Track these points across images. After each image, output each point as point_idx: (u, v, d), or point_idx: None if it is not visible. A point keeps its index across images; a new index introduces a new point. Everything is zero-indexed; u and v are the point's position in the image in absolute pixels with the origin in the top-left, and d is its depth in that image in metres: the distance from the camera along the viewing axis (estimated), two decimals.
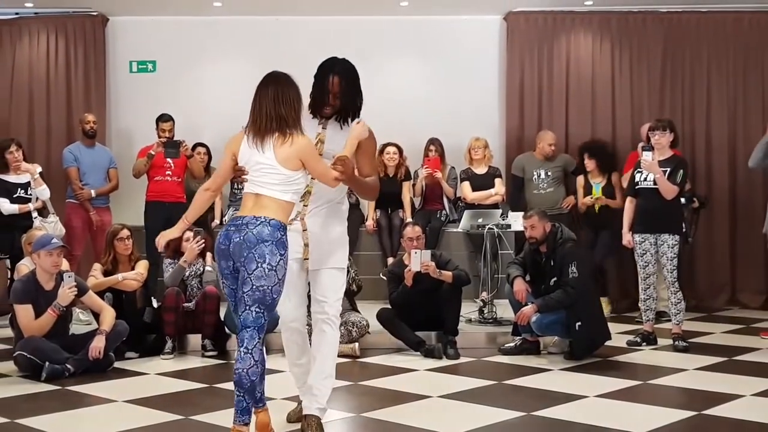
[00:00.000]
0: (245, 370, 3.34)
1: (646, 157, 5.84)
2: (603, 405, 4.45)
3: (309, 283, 3.86)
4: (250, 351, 3.35)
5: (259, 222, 3.38)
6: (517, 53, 8.43)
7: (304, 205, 3.70)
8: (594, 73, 8.40)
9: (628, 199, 6.22)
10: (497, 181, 7.78)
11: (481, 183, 7.73)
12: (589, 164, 7.58)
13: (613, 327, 6.13)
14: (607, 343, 5.74)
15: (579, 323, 5.49)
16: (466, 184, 7.75)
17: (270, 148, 3.44)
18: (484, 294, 6.80)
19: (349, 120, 3.81)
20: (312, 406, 3.80)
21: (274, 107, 3.44)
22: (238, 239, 3.37)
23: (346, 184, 3.72)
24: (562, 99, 8.39)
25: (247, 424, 3.41)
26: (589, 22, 8.43)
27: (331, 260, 3.82)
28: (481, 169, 7.81)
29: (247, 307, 3.36)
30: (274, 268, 3.35)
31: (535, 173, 7.78)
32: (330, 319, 3.82)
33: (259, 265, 3.33)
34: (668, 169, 5.92)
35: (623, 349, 5.91)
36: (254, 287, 3.34)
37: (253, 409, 3.48)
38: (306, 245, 3.72)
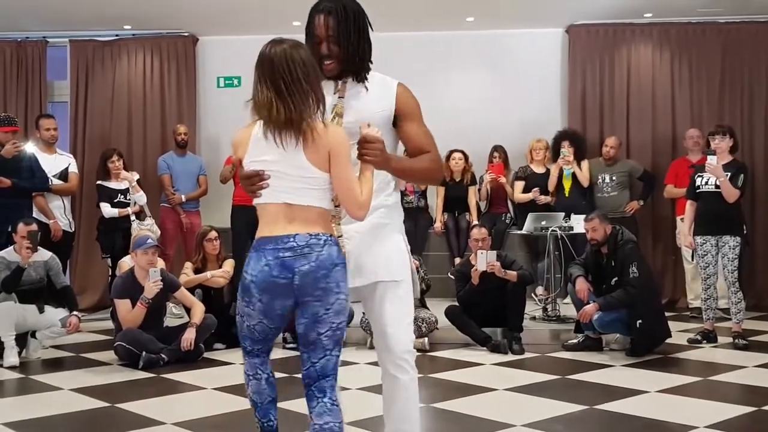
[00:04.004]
0: (338, 424, 2.48)
1: (711, 161, 5.68)
2: (663, 400, 4.34)
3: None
4: (335, 402, 2.50)
5: (323, 240, 2.45)
6: (578, 64, 8.29)
7: (336, 206, 2.58)
8: (654, 83, 8.19)
9: (688, 202, 6.06)
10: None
11: (539, 183, 7.62)
12: (569, 151, 7.40)
13: (674, 325, 5.98)
14: (668, 340, 5.60)
15: (640, 321, 5.37)
16: (519, 184, 7.66)
17: (300, 142, 2.44)
18: (539, 289, 6.71)
19: (366, 77, 2.62)
20: None
21: (301, 84, 2.42)
22: (307, 267, 2.41)
23: (387, 171, 2.58)
24: (623, 108, 8.21)
25: None
26: (649, 34, 8.24)
27: (380, 272, 2.64)
28: (540, 169, 7.71)
29: (328, 352, 2.49)
30: (347, 297, 2.52)
31: (600, 177, 7.64)
32: (401, 362, 2.63)
33: (338, 296, 2.46)
34: (730, 174, 5.75)
35: (684, 347, 5.75)
36: (334, 326, 2.47)
37: None
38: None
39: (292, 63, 2.41)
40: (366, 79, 2.62)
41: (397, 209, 2.75)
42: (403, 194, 7.93)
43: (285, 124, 2.41)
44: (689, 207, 6.03)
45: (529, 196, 7.53)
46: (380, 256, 2.63)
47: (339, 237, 2.57)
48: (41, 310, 5.51)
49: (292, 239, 2.43)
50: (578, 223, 6.44)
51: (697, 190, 5.92)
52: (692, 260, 6.27)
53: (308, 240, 2.43)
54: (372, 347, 5.76)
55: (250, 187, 2.46)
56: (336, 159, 2.44)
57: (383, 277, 2.62)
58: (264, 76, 2.44)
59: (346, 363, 5.34)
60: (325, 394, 2.49)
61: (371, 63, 2.64)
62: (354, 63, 2.58)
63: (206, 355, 5.53)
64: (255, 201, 2.52)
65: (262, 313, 2.49)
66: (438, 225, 7.82)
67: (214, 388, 4.59)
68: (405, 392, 2.63)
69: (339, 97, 2.60)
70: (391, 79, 2.69)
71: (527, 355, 5.54)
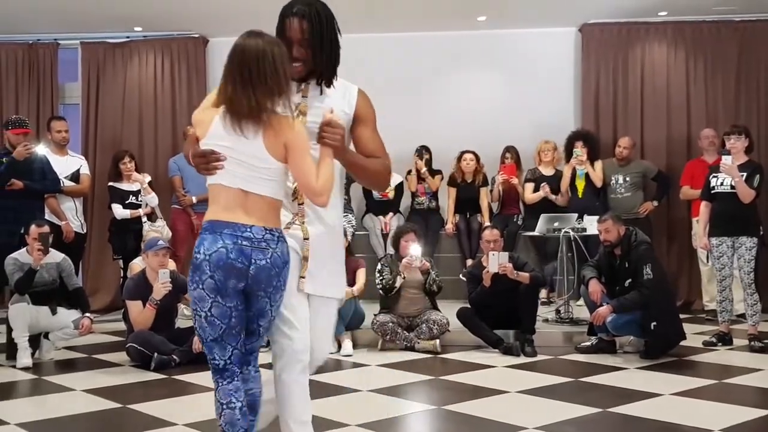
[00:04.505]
0: (258, 390, 2.70)
1: (726, 161, 5.66)
2: (678, 403, 4.32)
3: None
4: (257, 369, 2.71)
5: (276, 237, 2.56)
6: (592, 64, 8.27)
7: (299, 204, 2.68)
8: (668, 82, 8.16)
9: (704, 203, 6.03)
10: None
11: (549, 184, 7.61)
12: (583, 151, 7.40)
13: (689, 327, 5.95)
14: (683, 343, 5.58)
15: (654, 323, 5.36)
16: (529, 186, 7.67)
17: (259, 132, 2.52)
18: (543, 292, 6.71)
19: (333, 80, 2.71)
20: None
21: (266, 78, 2.49)
22: (264, 263, 2.52)
23: (341, 161, 2.65)
24: (636, 108, 8.19)
25: None
26: (664, 32, 8.20)
27: (330, 288, 2.76)
28: (549, 171, 7.71)
29: (259, 338, 2.67)
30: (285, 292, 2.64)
31: (613, 178, 7.62)
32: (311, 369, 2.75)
33: (282, 293, 2.60)
34: (745, 174, 5.73)
35: (699, 349, 5.72)
36: (272, 318, 2.63)
37: None
38: (305, 258, 2.69)
39: (263, 57, 2.50)
40: (331, 83, 2.70)
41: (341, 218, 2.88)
42: (414, 195, 7.94)
43: (246, 115, 2.50)
44: (704, 208, 6.01)
45: (540, 194, 7.52)
46: (332, 273, 2.77)
47: (305, 239, 2.67)
48: (54, 312, 5.56)
49: (248, 230, 2.52)
50: (591, 225, 6.43)
51: (713, 191, 5.90)
52: (708, 262, 6.24)
53: (264, 234, 2.53)
54: (384, 349, 5.79)
55: (204, 165, 2.52)
56: (293, 151, 2.53)
57: (330, 294, 2.76)
58: (232, 65, 2.55)
59: (357, 365, 5.37)
60: (249, 364, 2.68)
61: (337, 68, 2.72)
62: (322, 67, 2.66)
63: None
64: (209, 180, 2.58)
65: (215, 290, 2.52)
66: (449, 226, 7.83)
67: None
68: (304, 389, 2.72)
69: (302, 96, 2.69)
70: (352, 85, 2.78)
71: (540, 357, 5.54)
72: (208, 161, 2.51)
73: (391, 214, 7.81)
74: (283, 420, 2.72)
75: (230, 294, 2.54)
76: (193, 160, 2.57)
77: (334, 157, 2.60)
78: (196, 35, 8.55)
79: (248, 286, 2.55)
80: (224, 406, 2.59)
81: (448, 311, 5.97)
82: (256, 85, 2.49)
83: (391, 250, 6.56)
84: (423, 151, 7.84)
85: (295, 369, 2.66)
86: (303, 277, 2.69)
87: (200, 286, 2.54)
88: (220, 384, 2.61)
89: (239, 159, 2.52)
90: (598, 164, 7.56)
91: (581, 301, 6.28)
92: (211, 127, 2.56)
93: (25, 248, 5.57)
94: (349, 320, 5.84)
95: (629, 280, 5.53)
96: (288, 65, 2.55)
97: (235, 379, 2.61)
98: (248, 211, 2.54)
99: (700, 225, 6.07)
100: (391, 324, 5.81)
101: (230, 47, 2.65)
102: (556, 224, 6.75)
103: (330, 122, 2.56)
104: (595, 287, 5.65)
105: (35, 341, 5.56)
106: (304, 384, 2.70)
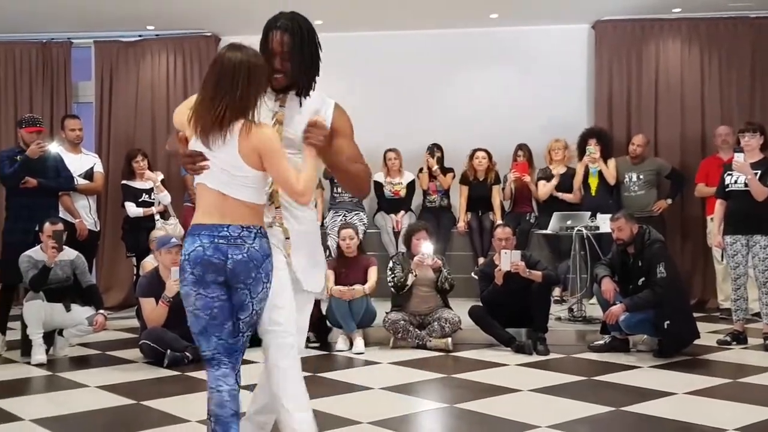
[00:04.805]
0: (228, 391, 2.69)
1: (738, 158, 5.64)
2: (692, 402, 4.31)
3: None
4: (237, 373, 2.74)
5: (253, 233, 2.65)
6: (605, 60, 8.25)
7: (276, 207, 2.81)
8: (683, 79, 8.12)
9: (718, 201, 6.01)
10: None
11: (560, 182, 7.61)
12: (596, 149, 7.38)
13: (703, 326, 5.93)
14: (697, 341, 5.55)
15: (668, 322, 5.33)
16: (542, 183, 7.66)
17: (231, 142, 2.61)
18: (556, 290, 6.70)
19: (310, 92, 2.83)
20: None
21: (236, 91, 2.59)
22: (240, 257, 2.62)
23: (325, 161, 2.82)
24: (650, 105, 8.16)
25: None
26: (678, 29, 8.17)
27: (308, 281, 2.89)
28: (560, 169, 7.69)
29: (242, 334, 2.72)
30: (271, 285, 2.74)
31: (626, 176, 7.59)
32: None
33: (265, 285, 2.69)
34: (759, 172, 5.69)
35: (713, 348, 5.70)
36: (254, 312, 2.70)
37: None
38: (288, 255, 2.83)
39: (238, 69, 2.60)
40: (308, 95, 2.82)
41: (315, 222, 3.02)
42: (426, 193, 7.95)
43: (209, 128, 2.60)
44: (719, 206, 5.98)
45: (552, 185, 7.52)
46: (310, 268, 2.89)
47: (286, 239, 2.79)
48: (68, 309, 5.61)
49: (225, 229, 2.64)
50: (604, 223, 6.41)
51: (727, 189, 5.87)
52: (722, 260, 6.21)
53: (240, 232, 2.64)
54: (395, 347, 5.80)
55: (191, 165, 2.65)
56: (267, 157, 2.62)
57: (309, 288, 2.88)
58: (208, 75, 2.66)
59: (369, 363, 5.38)
60: (222, 366, 2.70)
61: (316, 81, 2.84)
62: (302, 79, 2.78)
63: None
64: (196, 180, 2.71)
65: (196, 284, 2.66)
66: (461, 224, 7.82)
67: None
68: (301, 375, 2.82)
69: (280, 106, 2.80)
70: (329, 99, 2.90)
71: (552, 355, 5.53)
72: (194, 161, 2.64)
73: (402, 212, 7.81)
74: (284, 410, 2.74)
75: (210, 285, 2.65)
76: (182, 159, 2.71)
77: (319, 156, 2.73)
78: (209, 33, 8.59)
79: (228, 280, 2.66)
80: (213, 390, 2.69)
81: (460, 309, 5.97)
82: (224, 96, 2.58)
83: (402, 248, 6.57)
84: (435, 149, 7.84)
85: (290, 354, 2.74)
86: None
87: (184, 284, 2.68)
88: (209, 370, 2.72)
89: (219, 166, 2.63)
90: (612, 162, 7.54)
91: (594, 300, 6.28)
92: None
93: (39, 246, 5.62)
94: (360, 318, 5.86)
95: (642, 279, 5.51)
96: (264, 78, 2.65)
97: (223, 366, 2.70)
98: (226, 213, 2.65)
99: (714, 223, 6.04)
100: (402, 322, 5.82)
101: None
102: (569, 222, 6.73)
103: (315, 123, 2.71)
104: (608, 286, 5.63)
105: (49, 338, 5.61)
106: (300, 369, 2.78)
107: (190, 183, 7.62)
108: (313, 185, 2.73)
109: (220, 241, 2.63)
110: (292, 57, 2.73)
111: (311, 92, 2.82)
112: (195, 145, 2.66)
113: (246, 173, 2.63)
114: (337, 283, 5.93)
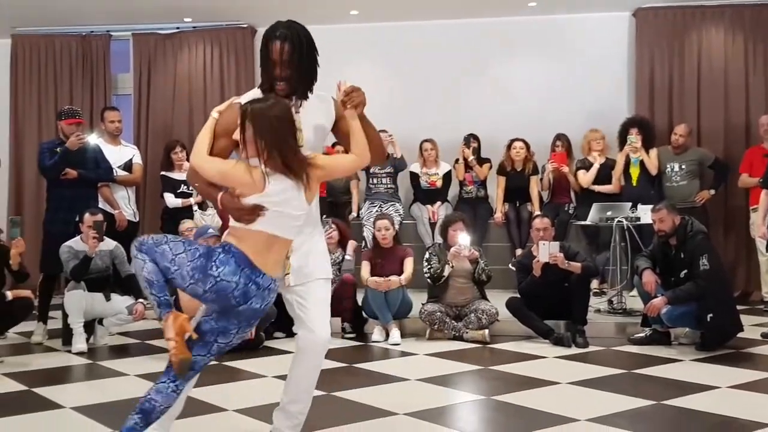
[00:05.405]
0: (160, 405, 2.82)
1: None
2: (736, 396, 4.22)
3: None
4: (179, 392, 2.87)
5: (275, 288, 2.84)
6: (646, 49, 8.11)
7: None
8: (726, 67, 7.95)
9: (763, 191, 5.87)
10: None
11: (601, 173, 7.51)
12: (638, 138, 7.25)
13: (746, 319, 5.81)
14: (740, 334, 5.44)
15: (711, 315, 5.23)
16: (582, 173, 7.57)
17: (301, 187, 2.78)
18: (594, 282, 6.62)
19: (308, 94, 2.97)
20: None
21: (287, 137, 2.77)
22: (258, 306, 2.78)
23: (362, 123, 2.95)
24: (693, 94, 8.00)
25: None
26: (721, 16, 7.99)
27: (317, 271, 3.02)
28: (600, 160, 7.59)
29: (210, 355, 2.87)
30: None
31: (668, 166, 7.46)
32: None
33: (252, 326, 3.01)
34: None
35: (757, 341, 5.58)
36: (231, 343, 2.88)
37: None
38: (287, 257, 2.94)
39: (278, 120, 2.73)
40: (306, 96, 2.96)
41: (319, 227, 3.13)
42: (462, 184, 7.90)
43: (295, 172, 2.74)
44: (764, 196, 5.84)
45: (594, 171, 7.45)
46: (316, 258, 3.01)
47: (287, 275, 2.93)
48: (108, 298, 5.69)
49: (260, 276, 2.74)
50: (645, 214, 6.30)
51: None
52: (766, 252, 6.08)
53: (270, 284, 2.77)
54: (432, 338, 5.79)
55: (246, 217, 2.75)
56: (329, 173, 2.90)
57: (320, 275, 3.02)
58: (257, 133, 2.72)
59: (405, 354, 5.38)
60: (175, 379, 2.83)
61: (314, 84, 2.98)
62: (302, 85, 2.92)
63: (266, 343, 5.62)
64: (246, 225, 2.76)
65: (196, 296, 2.79)
66: (498, 215, 7.77)
67: (274, 376, 4.66)
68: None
69: (295, 111, 2.91)
70: (325, 94, 3.05)
71: (591, 348, 5.46)
72: (252, 214, 2.74)
73: (438, 203, 7.78)
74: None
75: (216, 317, 2.83)
76: (237, 212, 2.77)
77: (359, 113, 2.89)
78: (245, 25, 8.63)
79: (228, 312, 2.78)
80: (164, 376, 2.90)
81: (497, 301, 5.93)
82: (282, 145, 2.72)
83: (439, 239, 6.53)
84: (471, 139, 7.78)
85: (321, 355, 3.02)
86: (288, 274, 2.93)
87: (196, 284, 2.75)
88: (169, 381, 2.86)
89: (282, 211, 2.75)
90: (653, 152, 7.41)
91: (634, 292, 6.19)
92: (268, 187, 2.72)
93: (79, 236, 5.71)
94: (397, 309, 5.85)
95: (685, 271, 5.41)
96: (291, 116, 2.79)
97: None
98: (270, 255, 2.77)
99: (759, 214, 5.91)
100: (439, 313, 5.80)
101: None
102: (609, 213, 6.63)
103: (352, 87, 2.86)
104: (649, 278, 5.55)
105: (90, 327, 5.71)
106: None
107: None
108: (366, 145, 2.89)
109: (252, 286, 2.73)
110: (292, 64, 2.87)
111: (309, 93, 2.97)
112: (263, 200, 2.73)
113: (305, 210, 2.81)
114: (373, 274, 5.93)
